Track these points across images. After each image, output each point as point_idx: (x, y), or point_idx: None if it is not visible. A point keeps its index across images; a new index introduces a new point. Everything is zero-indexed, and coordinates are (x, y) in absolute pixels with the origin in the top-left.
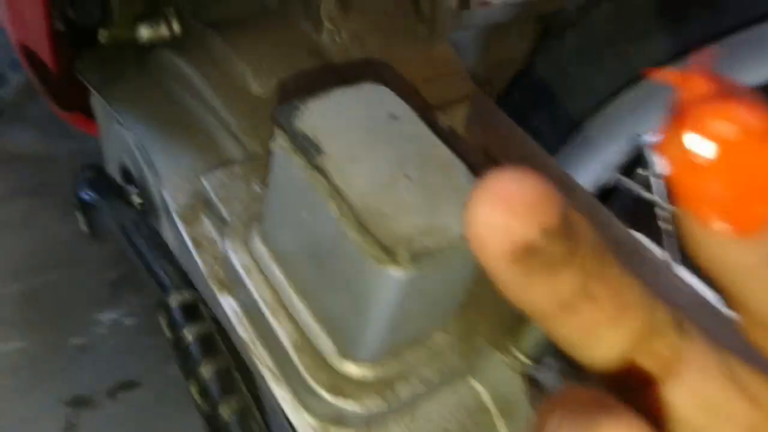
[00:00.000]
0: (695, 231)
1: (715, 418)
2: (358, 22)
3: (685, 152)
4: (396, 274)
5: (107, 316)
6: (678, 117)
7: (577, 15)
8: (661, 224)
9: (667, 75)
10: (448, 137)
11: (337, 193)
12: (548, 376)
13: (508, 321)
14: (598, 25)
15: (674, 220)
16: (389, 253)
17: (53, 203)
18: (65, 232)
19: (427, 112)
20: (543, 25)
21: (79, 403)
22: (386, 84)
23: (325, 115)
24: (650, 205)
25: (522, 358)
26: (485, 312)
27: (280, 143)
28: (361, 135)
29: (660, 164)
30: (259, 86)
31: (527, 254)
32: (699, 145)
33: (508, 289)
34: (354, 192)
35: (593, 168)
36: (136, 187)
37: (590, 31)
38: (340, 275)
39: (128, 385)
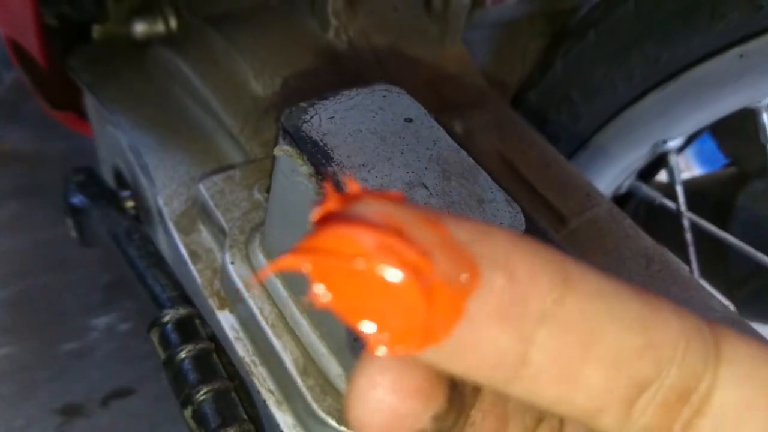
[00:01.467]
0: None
1: None
2: (366, 20)
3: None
4: None
5: (101, 321)
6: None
7: (600, 13)
8: (687, 235)
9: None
10: (463, 143)
11: None
12: None
13: None
14: (623, 23)
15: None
16: None
17: (45, 204)
18: (57, 235)
19: (441, 115)
20: (559, 24)
21: (71, 411)
22: (398, 85)
23: (334, 119)
24: (665, 215)
25: None
26: None
27: (284, 148)
28: (373, 140)
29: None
30: (261, 86)
31: None
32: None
33: None
34: None
35: (611, 174)
36: (130, 192)
37: (615, 31)
38: None
39: (122, 393)
